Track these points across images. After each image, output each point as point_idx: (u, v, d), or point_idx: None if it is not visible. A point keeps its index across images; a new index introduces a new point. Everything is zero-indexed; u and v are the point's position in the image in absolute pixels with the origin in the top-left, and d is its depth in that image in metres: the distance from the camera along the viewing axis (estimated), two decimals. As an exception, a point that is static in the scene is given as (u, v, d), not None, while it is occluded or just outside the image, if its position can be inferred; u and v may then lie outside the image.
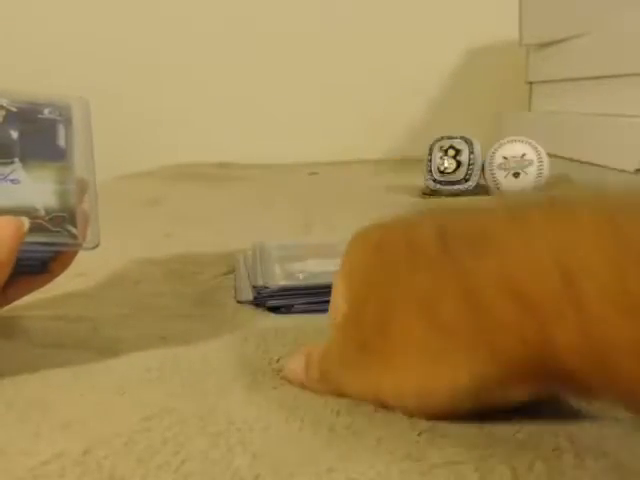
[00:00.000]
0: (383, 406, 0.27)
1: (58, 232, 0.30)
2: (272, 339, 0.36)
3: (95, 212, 0.32)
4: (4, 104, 0.31)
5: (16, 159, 0.31)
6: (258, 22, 1.32)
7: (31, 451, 0.25)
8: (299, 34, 1.32)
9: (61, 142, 0.32)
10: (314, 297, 0.40)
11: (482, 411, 0.26)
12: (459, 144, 0.86)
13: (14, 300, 0.35)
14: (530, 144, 0.83)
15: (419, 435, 0.26)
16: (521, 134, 0.85)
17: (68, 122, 0.32)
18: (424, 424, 0.26)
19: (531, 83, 1.22)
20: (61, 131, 0.32)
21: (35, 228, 0.30)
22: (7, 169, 0.30)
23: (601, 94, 0.94)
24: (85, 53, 1.30)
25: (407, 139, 1.35)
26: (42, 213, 0.30)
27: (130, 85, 1.32)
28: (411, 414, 0.26)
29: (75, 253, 0.33)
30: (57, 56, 1.29)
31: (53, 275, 0.34)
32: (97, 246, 0.32)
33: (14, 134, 0.31)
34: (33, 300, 0.39)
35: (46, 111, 0.32)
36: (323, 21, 1.34)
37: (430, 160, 0.88)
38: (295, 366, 0.31)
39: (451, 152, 0.86)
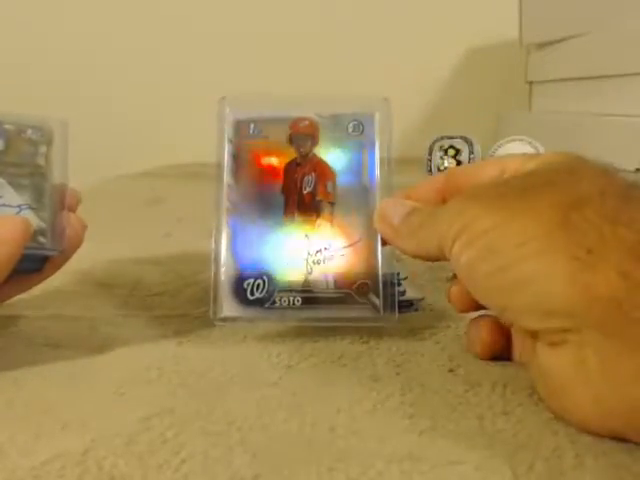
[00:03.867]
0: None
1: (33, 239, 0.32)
2: (272, 339, 0.36)
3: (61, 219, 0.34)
4: None
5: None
6: (258, 22, 1.32)
7: (31, 451, 0.25)
8: (299, 34, 1.32)
9: (41, 161, 0.34)
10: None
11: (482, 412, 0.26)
12: (459, 144, 0.86)
13: (7, 299, 0.36)
14: (530, 144, 0.83)
15: (419, 435, 0.26)
16: (521, 134, 0.85)
17: (49, 143, 0.34)
18: (424, 424, 0.26)
19: (531, 83, 1.22)
20: (42, 150, 0.34)
21: None
22: None
23: (601, 94, 0.94)
24: (86, 52, 1.30)
25: (407, 139, 1.35)
26: None
27: (130, 84, 1.32)
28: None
29: (67, 257, 0.35)
30: (58, 55, 1.29)
31: (44, 276, 0.36)
32: (60, 252, 0.33)
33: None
34: (32, 300, 0.39)
35: (29, 132, 0.34)
36: (323, 21, 1.34)
37: (430, 160, 0.88)
38: (392, 211, 0.32)
39: (451, 152, 0.86)
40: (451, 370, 0.32)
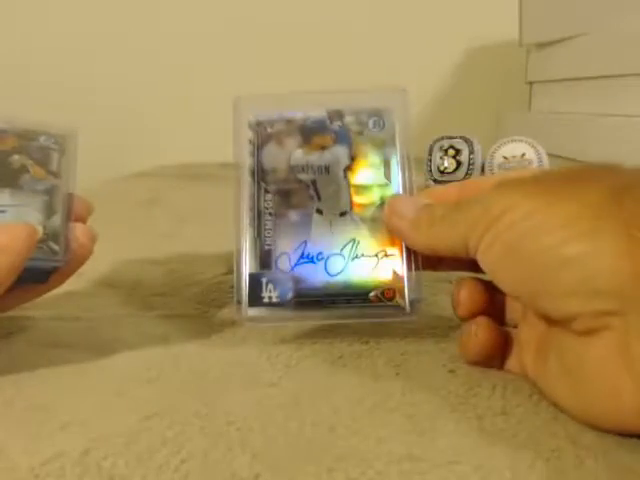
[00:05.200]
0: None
1: (40, 248, 0.32)
2: (272, 339, 0.36)
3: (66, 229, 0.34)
4: (6, 129, 0.34)
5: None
6: (257, 22, 1.32)
7: (31, 451, 0.25)
8: (299, 33, 1.32)
9: (53, 167, 0.34)
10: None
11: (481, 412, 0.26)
12: (459, 144, 0.86)
13: (10, 309, 0.36)
14: (530, 144, 0.83)
15: (419, 435, 0.26)
16: (521, 134, 0.85)
17: (62, 151, 0.35)
18: (424, 424, 0.26)
19: (531, 83, 1.21)
20: (54, 158, 0.34)
21: None
22: None
23: (601, 94, 0.94)
24: (86, 51, 1.30)
25: (407, 139, 1.35)
26: None
27: (130, 84, 1.32)
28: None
29: (75, 268, 0.34)
30: (59, 54, 1.29)
31: (50, 287, 0.35)
32: (65, 262, 0.33)
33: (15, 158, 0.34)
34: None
35: (42, 139, 0.34)
36: (323, 21, 1.34)
37: (430, 160, 0.88)
38: (404, 205, 0.31)
39: (451, 152, 0.86)
40: (451, 371, 0.32)
